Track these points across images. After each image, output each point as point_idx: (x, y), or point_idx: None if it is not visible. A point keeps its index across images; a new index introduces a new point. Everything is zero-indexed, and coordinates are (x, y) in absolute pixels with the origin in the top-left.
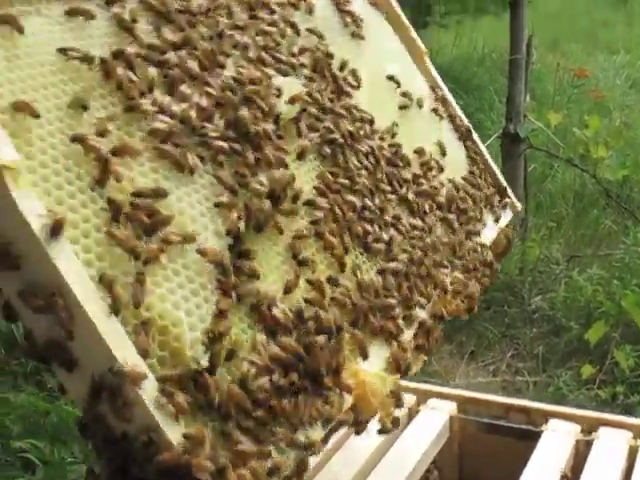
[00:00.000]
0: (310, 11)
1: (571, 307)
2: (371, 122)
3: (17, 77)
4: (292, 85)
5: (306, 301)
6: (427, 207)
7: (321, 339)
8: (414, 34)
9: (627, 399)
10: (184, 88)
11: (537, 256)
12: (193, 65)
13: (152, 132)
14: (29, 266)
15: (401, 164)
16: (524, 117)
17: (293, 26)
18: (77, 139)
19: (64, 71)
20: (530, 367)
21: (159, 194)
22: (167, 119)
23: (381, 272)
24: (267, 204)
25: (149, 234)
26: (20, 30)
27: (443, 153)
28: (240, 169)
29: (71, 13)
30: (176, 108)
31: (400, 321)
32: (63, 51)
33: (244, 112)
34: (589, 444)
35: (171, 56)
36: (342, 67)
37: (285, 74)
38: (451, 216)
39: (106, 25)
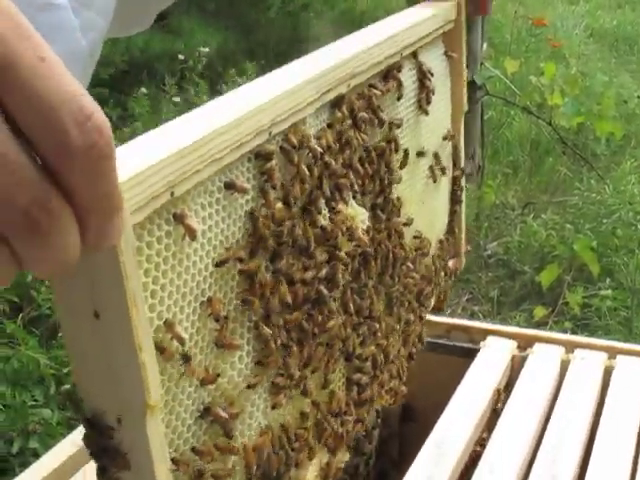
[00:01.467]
0: (399, 98)
1: (525, 252)
2: (398, 213)
3: (176, 289)
4: (359, 221)
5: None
6: (405, 301)
7: None
8: (465, 91)
9: (575, 335)
10: (284, 264)
11: (493, 202)
12: (302, 240)
13: (259, 337)
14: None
15: (403, 261)
16: (481, 65)
17: (381, 125)
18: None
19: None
20: (485, 310)
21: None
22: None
23: (348, 383)
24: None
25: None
26: (192, 237)
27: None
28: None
29: (227, 187)
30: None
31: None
32: (219, 264)
33: (324, 291)
34: (524, 359)
35: (286, 227)
36: (400, 162)
37: (359, 200)
38: (415, 305)
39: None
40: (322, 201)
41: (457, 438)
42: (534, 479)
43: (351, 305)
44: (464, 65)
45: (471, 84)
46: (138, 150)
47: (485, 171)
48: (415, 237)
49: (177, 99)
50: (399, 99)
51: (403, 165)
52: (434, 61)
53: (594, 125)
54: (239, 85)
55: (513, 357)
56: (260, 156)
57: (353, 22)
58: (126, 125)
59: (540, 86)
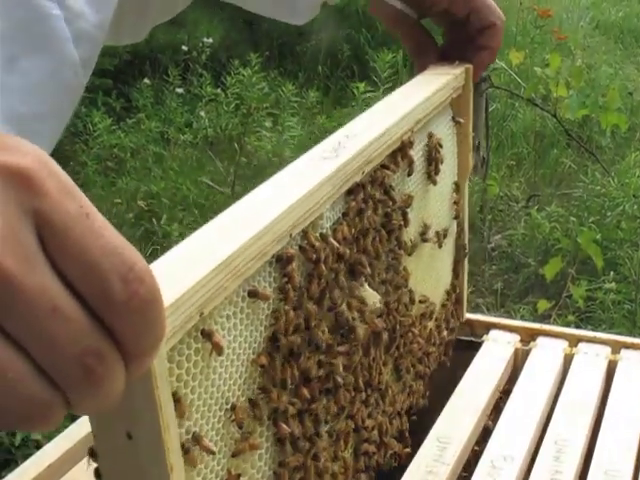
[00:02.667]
0: (410, 174)
1: (529, 244)
2: (406, 283)
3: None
4: (373, 303)
5: None
6: (410, 366)
7: None
8: (471, 154)
9: (578, 328)
10: (302, 361)
11: (497, 194)
12: (318, 338)
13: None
14: None
15: (409, 328)
16: None
17: (394, 204)
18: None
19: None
20: (489, 303)
21: None
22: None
23: (355, 453)
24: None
25: None
26: (220, 352)
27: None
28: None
29: (250, 295)
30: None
31: None
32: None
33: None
34: (527, 353)
35: (302, 326)
36: (411, 247)
37: (371, 283)
38: (420, 368)
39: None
40: (337, 291)
41: (459, 432)
42: (537, 473)
43: (361, 381)
44: (471, 128)
45: None
46: (168, 277)
47: (489, 163)
48: (421, 302)
49: (180, 90)
50: (409, 175)
51: (412, 251)
52: (442, 127)
53: (599, 117)
54: (243, 76)
55: (516, 350)
56: (281, 260)
57: (357, 12)
58: (130, 116)
59: (545, 78)
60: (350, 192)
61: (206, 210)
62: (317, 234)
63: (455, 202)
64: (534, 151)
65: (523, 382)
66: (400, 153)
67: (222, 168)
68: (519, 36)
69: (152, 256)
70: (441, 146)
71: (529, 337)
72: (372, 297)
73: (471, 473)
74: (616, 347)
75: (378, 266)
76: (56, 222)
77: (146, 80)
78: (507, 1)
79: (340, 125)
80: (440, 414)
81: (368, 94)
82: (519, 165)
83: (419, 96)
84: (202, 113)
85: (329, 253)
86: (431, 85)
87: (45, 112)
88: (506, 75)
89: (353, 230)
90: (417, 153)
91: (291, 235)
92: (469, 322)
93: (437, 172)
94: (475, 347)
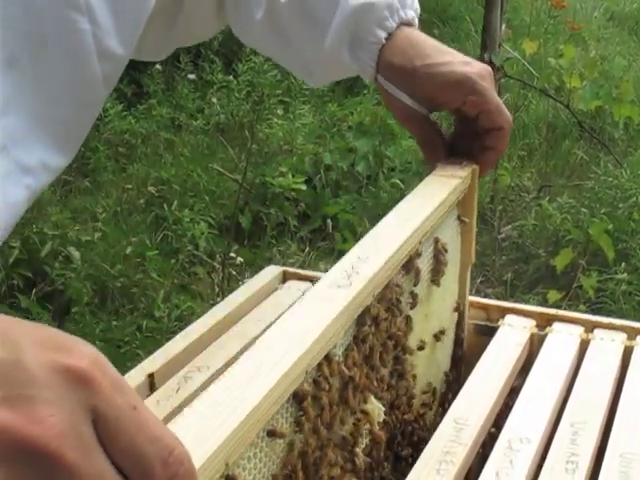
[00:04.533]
0: (416, 284)
1: (540, 235)
2: (410, 386)
3: None
4: (377, 416)
5: None
6: (408, 456)
7: None
8: (473, 246)
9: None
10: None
11: (508, 185)
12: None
13: None
14: None
15: (410, 423)
16: (499, 46)
17: (400, 314)
18: None
19: None
20: (499, 293)
21: None
22: None
23: None
24: None
25: None
26: None
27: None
28: None
29: (269, 435)
30: None
31: None
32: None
33: None
34: (543, 338)
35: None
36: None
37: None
38: (412, 451)
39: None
40: (347, 412)
41: (476, 414)
42: (554, 455)
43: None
44: (474, 224)
45: (489, 65)
46: (196, 433)
47: None
48: (424, 392)
49: (192, 76)
50: (415, 285)
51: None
52: (447, 228)
53: (612, 109)
54: (254, 63)
55: (532, 335)
56: (297, 396)
57: None
58: (141, 102)
59: (558, 69)
60: (360, 317)
61: (217, 197)
62: (330, 364)
63: (456, 309)
64: (546, 142)
65: (539, 366)
66: (408, 265)
67: (233, 155)
68: (533, 26)
69: (163, 241)
70: (446, 250)
71: (545, 322)
72: (377, 409)
73: (488, 454)
74: (632, 333)
75: (384, 376)
76: (109, 416)
77: (157, 66)
78: None
79: (351, 113)
80: (457, 396)
81: None
82: (530, 156)
83: (429, 207)
84: (213, 100)
85: (340, 380)
86: (440, 192)
87: (64, 119)
88: (519, 65)
89: (362, 352)
90: (423, 260)
91: (307, 372)
92: (484, 307)
93: (442, 275)
94: (491, 332)
